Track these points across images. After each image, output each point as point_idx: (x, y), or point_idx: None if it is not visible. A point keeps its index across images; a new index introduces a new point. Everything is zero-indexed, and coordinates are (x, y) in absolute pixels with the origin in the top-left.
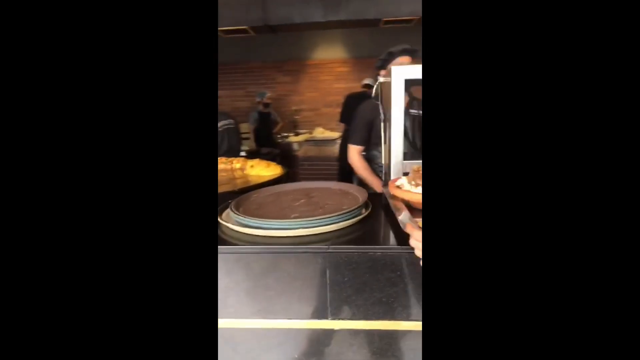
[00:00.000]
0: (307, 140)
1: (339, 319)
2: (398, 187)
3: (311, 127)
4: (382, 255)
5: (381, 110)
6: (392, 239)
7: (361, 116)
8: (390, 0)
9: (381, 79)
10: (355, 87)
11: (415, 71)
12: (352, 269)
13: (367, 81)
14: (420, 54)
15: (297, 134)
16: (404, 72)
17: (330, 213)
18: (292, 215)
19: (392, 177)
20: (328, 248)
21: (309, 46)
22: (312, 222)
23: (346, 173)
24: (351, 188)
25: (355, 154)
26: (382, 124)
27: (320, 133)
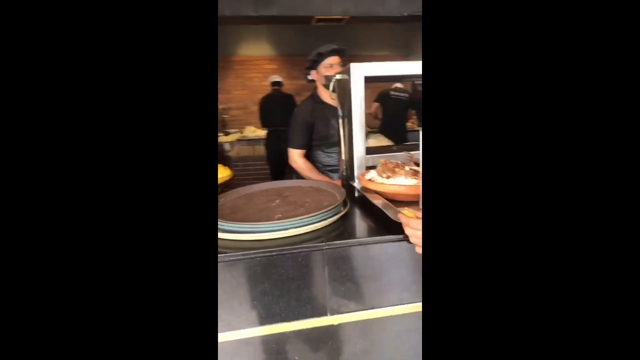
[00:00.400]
0: (238, 140)
1: (338, 314)
2: (370, 180)
3: (241, 126)
4: (377, 245)
5: (338, 107)
6: (378, 230)
7: (300, 119)
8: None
9: (338, 76)
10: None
11: (374, 68)
12: (350, 262)
13: (275, 78)
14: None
15: (226, 134)
16: (363, 69)
17: (315, 211)
18: (276, 217)
19: (356, 171)
20: (325, 245)
21: (234, 42)
22: (303, 220)
23: (278, 173)
24: (323, 185)
25: (298, 157)
26: (340, 120)
27: (251, 132)
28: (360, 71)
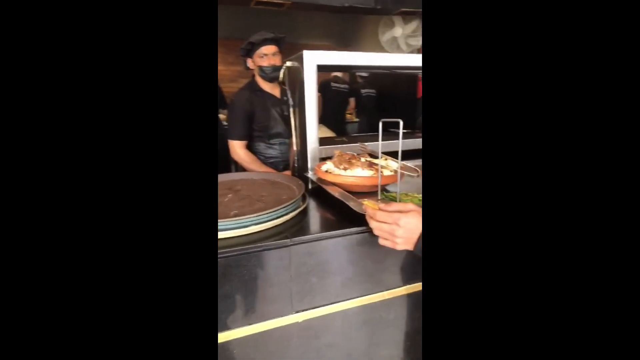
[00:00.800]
0: None
1: (303, 311)
2: (327, 171)
3: None
4: (342, 239)
5: (289, 96)
6: (340, 222)
7: (239, 108)
8: None
9: (288, 64)
10: (223, 70)
11: (327, 57)
12: (315, 257)
13: None
14: (283, 41)
15: None
16: (316, 57)
17: (273, 205)
18: (232, 213)
19: (310, 163)
20: (290, 241)
21: None
22: (263, 216)
23: (222, 168)
24: (276, 177)
25: (239, 148)
26: (290, 110)
27: None
28: (313, 59)
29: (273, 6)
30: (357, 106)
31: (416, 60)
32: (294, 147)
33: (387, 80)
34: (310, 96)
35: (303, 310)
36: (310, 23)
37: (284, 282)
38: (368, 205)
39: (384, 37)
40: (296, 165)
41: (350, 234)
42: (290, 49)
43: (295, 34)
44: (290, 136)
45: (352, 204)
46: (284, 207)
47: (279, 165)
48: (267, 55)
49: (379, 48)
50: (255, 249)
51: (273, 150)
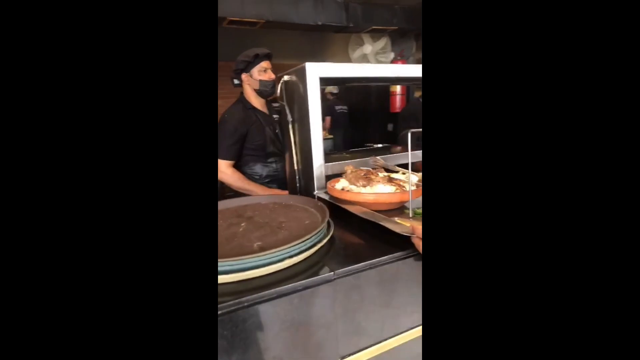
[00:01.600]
0: None
1: (350, 356)
2: (344, 190)
3: None
4: (389, 265)
5: (287, 112)
6: (382, 247)
7: (231, 127)
8: (235, 1)
9: (286, 78)
10: None
11: (329, 69)
12: (362, 290)
13: None
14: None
15: None
16: (318, 69)
17: (298, 232)
18: (256, 246)
19: (317, 182)
20: (334, 274)
21: None
22: (295, 247)
23: None
24: (286, 199)
25: (226, 167)
26: (290, 125)
27: None
28: (315, 72)
29: (246, 25)
30: (331, 123)
31: (416, 70)
32: (295, 165)
33: (358, 96)
34: (314, 111)
35: (349, 355)
36: (281, 42)
37: (329, 324)
38: (416, 226)
39: (355, 54)
40: (298, 184)
41: (396, 259)
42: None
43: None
44: (283, 153)
45: (390, 225)
46: (316, 234)
47: (273, 184)
48: (267, 69)
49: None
50: (296, 289)
51: (270, 169)
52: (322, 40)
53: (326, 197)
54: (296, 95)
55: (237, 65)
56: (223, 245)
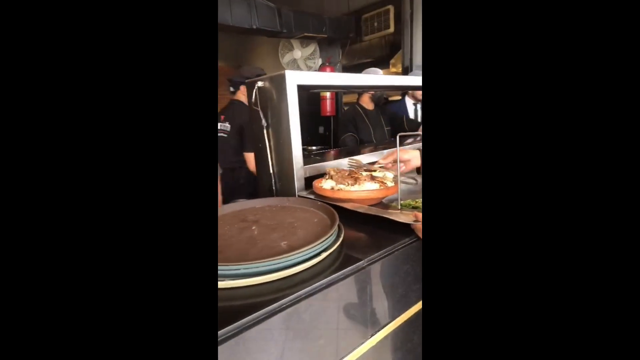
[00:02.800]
0: None
1: (376, 332)
2: (333, 189)
3: None
4: (402, 250)
5: (261, 116)
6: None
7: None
8: None
9: (260, 84)
10: None
11: (307, 77)
12: (387, 276)
13: None
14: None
15: None
16: (297, 77)
17: (312, 230)
18: (283, 244)
19: (297, 183)
20: (365, 262)
21: None
22: (322, 244)
23: None
24: (280, 201)
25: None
26: (264, 130)
27: None
28: (294, 79)
29: None
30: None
31: (392, 80)
32: (271, 169)
33: None
34: (293, 116)
35: (377, 332)
36: None
37: (370, 301)
38: (418, 215)
39: (285, 59)
40: (274, 187)
41: (406, 245)
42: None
43: None
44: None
45: (394, 217)
46: (334, 232)
47: None
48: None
49: (279, 68)
50: (339, 278)
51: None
52: (247, 43)
53: (310, 197)
54: (270, 101)
55: (240, 79)
56: (249, 249)
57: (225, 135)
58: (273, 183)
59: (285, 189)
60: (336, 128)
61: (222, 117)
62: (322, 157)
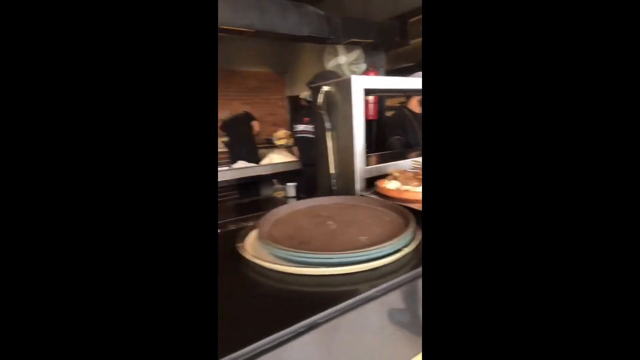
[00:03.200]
0: None
1: None
2: (398, 189)
3: None
4: None
5: (326, 120)
6: None
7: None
8: (227, 10)
9: (325, 88)
10: None
11: (371, 82)
12: None
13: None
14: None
15: None
16: (363, 82)
17: (389, 227)
18: (362, 238)
19: (358, 184)
20: None
21: None
22: (404, 239)
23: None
24: (350, 200)
25: None
26: (327, 132)
27: None
28: (360, 84)
29: (235, 34)
30: None
31: None
32: (332, 170)
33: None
34: (358, 119)
35: None
36: (244, 49)
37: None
38: None
39: (329, 64)
40: (334, 187)
41: None
42: (227, 76)
43: (230, 60)
44: None
45: None
46: (414, 228)
47: None
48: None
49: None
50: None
51: None
52: (290, 49)
53: (374, 197)
54: (335, 105)
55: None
56: (330, 241)
57: (311, 136)
58: (333, 183)
59: (346, 188)
60: (379, 131)
61: (307, 119)
62: (377, 159)
